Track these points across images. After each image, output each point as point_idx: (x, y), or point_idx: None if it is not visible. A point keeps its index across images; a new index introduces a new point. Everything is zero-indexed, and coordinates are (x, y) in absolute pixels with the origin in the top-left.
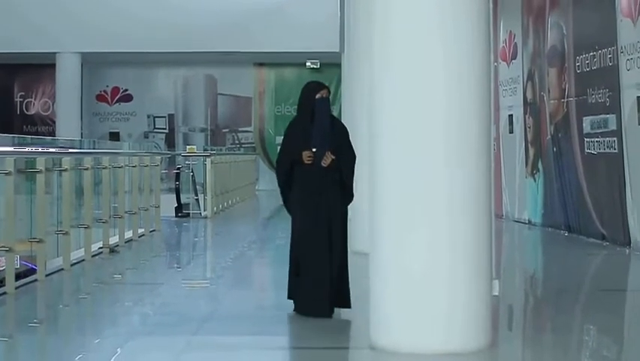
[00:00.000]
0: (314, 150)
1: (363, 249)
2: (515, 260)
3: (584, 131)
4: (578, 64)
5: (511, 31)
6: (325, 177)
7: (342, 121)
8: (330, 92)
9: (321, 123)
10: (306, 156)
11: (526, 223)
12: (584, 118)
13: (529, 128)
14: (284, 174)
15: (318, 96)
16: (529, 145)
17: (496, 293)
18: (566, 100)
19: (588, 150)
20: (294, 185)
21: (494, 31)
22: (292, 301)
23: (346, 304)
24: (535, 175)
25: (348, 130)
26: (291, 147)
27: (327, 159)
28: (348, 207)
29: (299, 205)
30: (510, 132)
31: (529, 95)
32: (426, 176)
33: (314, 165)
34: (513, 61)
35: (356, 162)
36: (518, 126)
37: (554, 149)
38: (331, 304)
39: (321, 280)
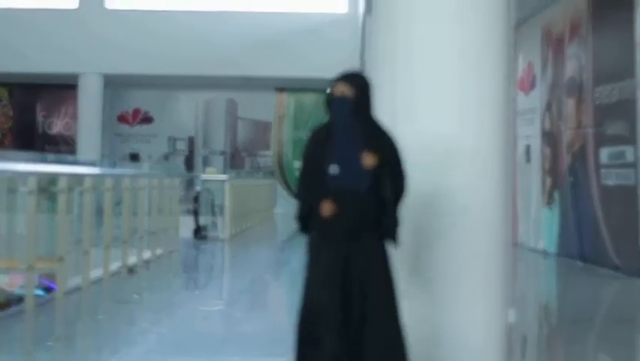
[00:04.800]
0: (332, 171)
1: None
2: (529, 289)
3: (601, 163)
4: (596, 95)
5: (530, 62)
6: (355, 217)
7: None
8: (359, 91)
9: (341, 133)
10: (326, 210)
11: (541, 253)
12: (601, 149)
13: (546, 158)
14: (301, 217)
15: (334, 94)
16: (546, 175)
17: (510, 321)
18: (583, 131)
19: (605, 181)
20: (312, 226)
21: (513, 61)
22: None
23: None
24: (552, 205)
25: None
26: (309, 173)
27: (369, 160)
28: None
29: (312, 257)
30: (527, 162)
31: (546, 125)
32: (443, 203)
33: (338, 212)
34: (531, 91)
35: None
36: (535, 156)
37: (571, 179)
38: None
39: None
